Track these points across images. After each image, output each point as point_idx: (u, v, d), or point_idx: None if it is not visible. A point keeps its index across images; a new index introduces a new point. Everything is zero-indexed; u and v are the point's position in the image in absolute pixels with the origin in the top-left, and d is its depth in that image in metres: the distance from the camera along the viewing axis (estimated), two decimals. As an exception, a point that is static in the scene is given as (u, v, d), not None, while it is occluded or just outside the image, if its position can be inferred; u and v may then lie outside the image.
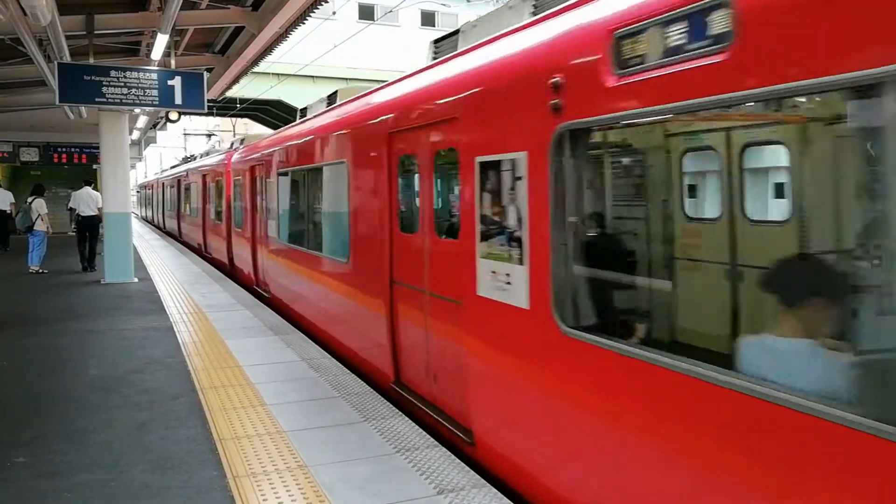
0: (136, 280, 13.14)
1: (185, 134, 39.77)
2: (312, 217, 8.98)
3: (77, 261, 15.13)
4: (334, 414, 5.21)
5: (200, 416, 5.20)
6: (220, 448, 4.53)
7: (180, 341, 7.81)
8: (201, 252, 18.88)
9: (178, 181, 24.49)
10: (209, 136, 34.34)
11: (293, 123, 10.58)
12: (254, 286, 12.16)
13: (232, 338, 7.95)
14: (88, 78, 10.98)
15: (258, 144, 12.38)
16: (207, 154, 23.09)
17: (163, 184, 31.06)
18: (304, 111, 10.61)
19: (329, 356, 7.07)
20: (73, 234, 16.07)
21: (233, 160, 14.70)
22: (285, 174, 9.94)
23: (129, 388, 6.01)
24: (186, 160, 28.48)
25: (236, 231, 14.08)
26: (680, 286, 5.01)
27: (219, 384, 6.03)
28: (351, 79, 30.75)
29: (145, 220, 42.59)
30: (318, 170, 8.50)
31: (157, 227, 32.58)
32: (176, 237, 25.13)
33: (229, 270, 14.80)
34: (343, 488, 3.90)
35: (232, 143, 18.43)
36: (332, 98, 9.05)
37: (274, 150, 10.54)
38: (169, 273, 14.53)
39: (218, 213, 16.45)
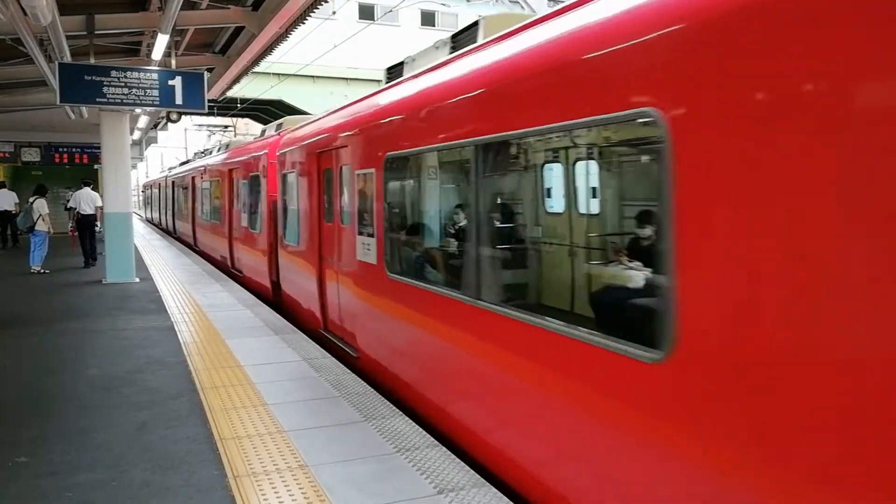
0: (137, 280, 13.13)
1: (205, 126, 38.51)
2: (486, 237, 4.57)
3: (79, 256, 15.89)
4: (335, 413, 5.20)
5: (201, 415, 5.19)
6: (220, 448, 4.52)
7: (181, 341, 7.81)
8: (226, 268, 15.15)
9: (193, 179, 20.73)
10: (224, 128, 32.60)
11: (392, 83, 6.53)
12: (320, 330, 8.45)
13: (233, 337, 7.94)
14: (89, 78, 10.99)
15: (330, 123, 8.10)
16: (227, 147, 18.12)
17: (172, 183, 26.59)
18: (395, 69, 6.96)
19: (329, 356, 7.06)
20: (70, 231, 16.43)
21: (280, 149, 10.51)
22: (409, 160, 5.99)
23: (130, 387, 6.01)
24: (202, 154, 23.65)
25: (288, 248, 9.97)
26: None
27: (219, 384, 6.03)
28: (351, 79, 30.78)
29: (151, 223, 37.62)
30: (505, 146, 4.73)
31: (167, 232, 28.59)
32: (190, 245, 21.43)
33: (270, 298, 11.32)
34: (343, 488, 3.89)
35: (263, 131, 14.93)
36: (461, 36, 5.73)
37: (374, 126, 6.42)
38: (170, 273, 14.51)
39: (253, 220, 12.55)
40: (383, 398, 5.60)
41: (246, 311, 9.78)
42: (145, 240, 24.08)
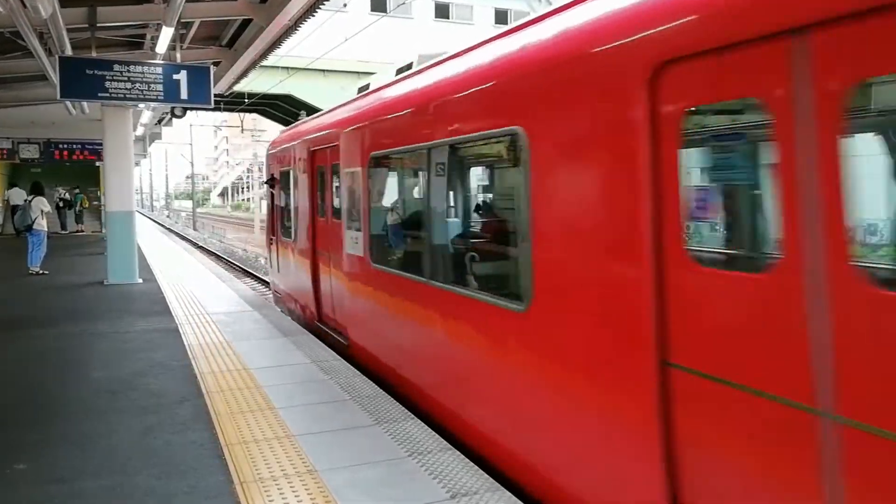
0: (140, 281, 13.00)
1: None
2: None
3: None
4: (344, 417, 5.11)
5: (207, 420, 5.11)
6: (227, 453, 4.44)
7: (186, 344, 7.70)
8: None
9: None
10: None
11: None
12: None
13: (239, 340, 7.83)
14: (91, 72, 10.85)
15: None
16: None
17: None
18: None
19: (339, 358, 6.93)
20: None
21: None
22: None
23: (134, 391, 5.91)
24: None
25: None
26: None
27: (226, 388, 5.93)
28: (363, 72, 30.54)
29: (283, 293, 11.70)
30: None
31: None
32: None
33: None
34: (353, 493, 3.82)
35: None
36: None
37: None
38: (174, 274, 14.43)
39: None
40: (394, 401, 5.48)
41: (254, 312, 9.67)
42: (147, 238, 24.06)
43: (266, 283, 18.47)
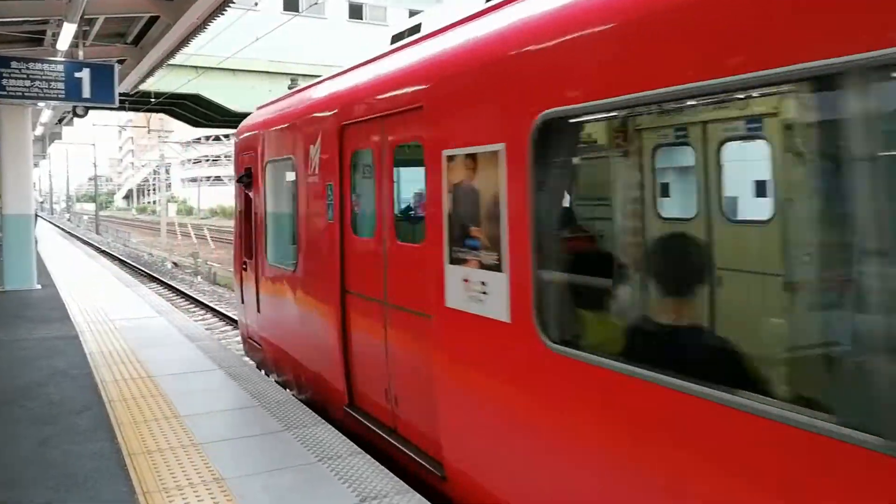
0: (38, 286, 12.54)
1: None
2: None
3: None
4: (254, 424, 5.09)
5: (108, 429, 4.99)
6: (129, 463, 4.36)
7: (87, 351, 7.46)
8: None
9: None
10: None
11: None
12: None
13: (144, 347, 7.65)
14: (-14, 69, 10.32)
15: None
16: None
17: None
18: None
19: (249, 364, 6.87)
20: None
21: None
22: None
23: (32, 401, 5.70)
24: None
25: None
26: None
27: (129, 396, 5.80)
28: (275, 73, 30.03)
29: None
30: None
31: None
32: None
33: None
34: (262, 500, 3.82)
35: None
36: None
37: None
38: (74, 279, 13.87)
39: None
40: (305, 407, 5.50)
41: (159, 318, 9.43)
42: (47, 242, 22.93)
43: (174, 290, 18.00)
